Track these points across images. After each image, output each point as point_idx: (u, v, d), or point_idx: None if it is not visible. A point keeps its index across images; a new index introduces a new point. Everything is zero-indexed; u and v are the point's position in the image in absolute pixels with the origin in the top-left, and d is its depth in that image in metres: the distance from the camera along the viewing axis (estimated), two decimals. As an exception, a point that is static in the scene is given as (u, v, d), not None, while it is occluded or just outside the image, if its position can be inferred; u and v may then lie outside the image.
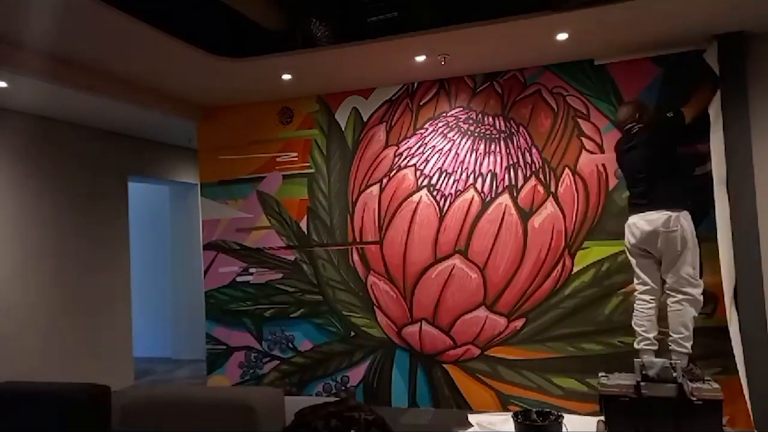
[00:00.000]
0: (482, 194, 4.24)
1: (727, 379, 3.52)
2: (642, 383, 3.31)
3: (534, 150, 4.16)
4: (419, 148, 4.43)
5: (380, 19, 3.63)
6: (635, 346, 3.60)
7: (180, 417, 2.27)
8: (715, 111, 3.63)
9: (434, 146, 4.39)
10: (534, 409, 3.56)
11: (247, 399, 2.26)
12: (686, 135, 3.68)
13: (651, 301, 3.59)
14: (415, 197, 4.40)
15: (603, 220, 3.99)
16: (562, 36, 3.61)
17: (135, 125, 5.48)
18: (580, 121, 4.08)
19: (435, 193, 4.36)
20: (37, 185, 4.81)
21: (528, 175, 4.16)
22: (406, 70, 4.20)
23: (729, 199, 3.58)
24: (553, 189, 4.11)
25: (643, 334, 3.56)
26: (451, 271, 4.30)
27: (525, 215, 4.16)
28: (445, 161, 4.35)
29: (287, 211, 4.77)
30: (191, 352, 6.60)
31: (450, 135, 4.36)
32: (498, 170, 4.22)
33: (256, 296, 4.83)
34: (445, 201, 4.33)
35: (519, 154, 4.19)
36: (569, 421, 3.55)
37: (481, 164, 4.26)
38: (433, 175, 4.37)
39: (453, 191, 4.31)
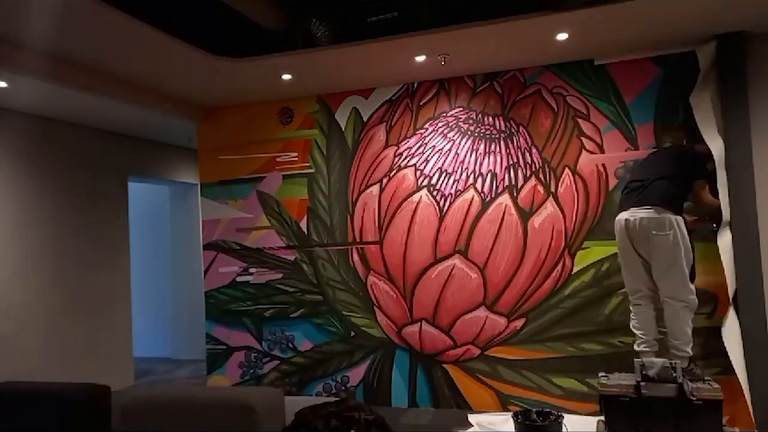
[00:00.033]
0: (482, 194, 4.24)
1: (727, 379, 3.52)
2: (642, 383, 3.31)
3: (534, 150, 4.16)
4: (419, 148, 4.43)
5: (380, 19, 3.63)
6: (635, 348, 3.59)
7: (180, 417, 2.26)
8: (696, 101, 3.64)
9: (434, 146, 4.39)
10: (534, 409, 3.56)
11: (247, 399, 2.26)
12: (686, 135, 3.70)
13: (645, 306, 3.54)
14: (415, 197, 4.40)
15: (603, 220, 3.99)
16: (562, 36, 3.61)
17: (135, 125, 5.48)
18: (580, 121, 4.08)
19: (435, 193, 4.36)
20: (37, 185, 4.81)
21: (528, 175, 4.17)
22: (406, 70, 4.21)
23: (729, 199, 3.58)
24: (553, 189, 4.11)
25: (642, 336, 3.55)
26: (451, 271, 4.30)
27: (525, 215, 4.16)
28: (445, 161, 4.35)
29: (287, 211, 4.77)
30: (191, 352, 6.60)
31: (450, 135, 4.36)
32: (498, 170, 4.22)
33: (256, 296, 4.84)
34: (445, 201, 4.33)
35: (519, 154, 4.19)
36: (569, 421, 3.55)
37: (481, 164, 4.27)
38: (433, 175, 4.37)
39: (453, 191, 4.31)
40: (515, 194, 4.18)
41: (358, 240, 4.56)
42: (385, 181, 4.50)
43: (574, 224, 4.06)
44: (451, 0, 3.56)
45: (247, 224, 4.88)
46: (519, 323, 4.16)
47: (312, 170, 4.71)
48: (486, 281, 4.22)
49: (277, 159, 4.81)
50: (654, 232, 3.36)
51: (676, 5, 3.22)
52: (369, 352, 4.52)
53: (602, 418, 3.49)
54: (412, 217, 4.40)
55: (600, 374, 3.56)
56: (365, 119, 4.58)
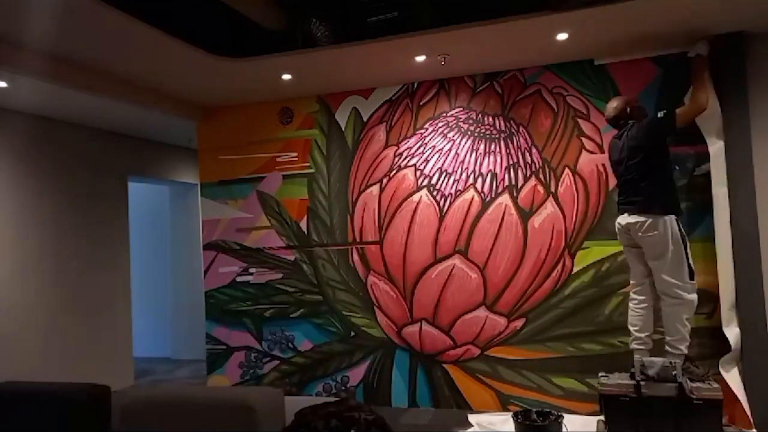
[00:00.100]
0: (482, 194, 4.24)
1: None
2: (642, 383, 3.31)
3: (534, 150, 4.16)
4: (419, 148, 4.43)
5: (380, 19, 3.63)
6: (630, 345, 3.62)
7: (180, 417, 2.26)
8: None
9: (434, 146, 4.39)
10: (534, 409, 3.56)
11: (247, 399, 2.26)
12: (686, 135, 3.69)
13: (643, 300, 3.56)
14: (415, 197, 4.40)
15: (603, 220, 3.99)
16: (562, 36, 3.61)
17: (135, 125, 5.49)
18: (580, 121, 4.08)
19: (435, 193, 4.36)
20: (37, 185, 4.81)
21: (528, 175, 4.17)
22: (406, 70, 4.20)
23: (729, 200, 3.58)
24: (553, 189, 4.11)
25: (635, 333, 3.57)
26: (451, 271, 4.30)
27: (525, 215, 4.16)
28: (445, 161, 4.35)
29: (287, 211, 4.77)
30: (191, 352, 6.60)
31: (450, 135, 4.36)
32: (498, 170, 4.22)
33: (256, 296, 4.84)
34: (445, 201, 4.33)
35: (519, 154, 4.19)
36: (569, 421, 3.55)
37: (481, 164, 4.27)
38: (433, 175, 4.37)
39: (453, 191, 4.31)
40: (515, 194, 4.18)
41: (358, 240, 4.56)
42: (385, 181, 4.50)
43: (574, 224, 4.06)
44: (451, 0, 3.55)
45: (247, 224, 4.88)
46: (519, 323, 4.16)
47: (312, 170, 4.71)
48: (486, 281, 4.22)
49: (277, 159, 4.81)
50: (640, 234, 3.41)
51: (675, 5, 3.22)
52: (369, 352, 4.52)
53: (602, 418, 3.49)
54: (412, 217, 4.40)
55: (600, 374, 3.57)
56: (365, 119, 4.58)
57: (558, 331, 4.06)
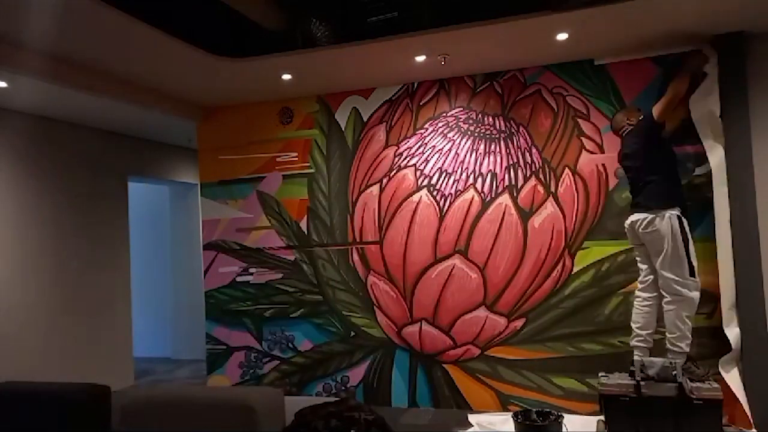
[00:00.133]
0: (482, 194, 4.24)
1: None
2: (642, 383, 3.31)
3: (534, 150, 4.16)
4: (419, 148, 4.43)
5: (380, 19, 3.63)
6: (630, 342, 3.63)
7: (180, 417, 2.26)
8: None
9: (434, 146, 4.39)
10: (534, 409, 3.56)
11: (247, 399, 2.26)
12: (686, 135, 3.70)
13: (647, 298, 3.60)
14: (415, 197, 4.40)
15: (603, 220, 3.99)
16: (562, 36, 3.61)
17: (135, 125, 5.48)
18: (580, 121, 4.08)
19: (435, 193, 4.36)
20: (37, 185, 4.81)
21: (528, 175, 4.17)
22: (406, 70, 4.20)
23: (729, 199, 3.58)
24: (553, 189, 4.11)
25: (637, 330, 3.61)
26: (451, 271, 4.30)
27: (525, 215, 4.16)
28: (445, 161, 4.35)
29: (287, 211, 4.77)
30: (191, 352, 6.60)
31: (450, 135, 4.36)
32: (498, 170, 4.22)
33: (256, 296, 4.83)
34: (445, 201, 4.33)
35: (519, 154, 4.19)
36: (569, 421, 3.55)
37: (481, 164, 4.27)
38: (433, 175, 4.37)
39: (453, 191, 4.31)
40: (515, 194, 4.18)
41: (358, 240, 4.56)
42: (385, 181, 4.50)
43: (574, 224, 4.06)
44: (451, 0, 3.55)
45: (247, 224, 4.88)
46: (519, 323, 4.16)
47: (312, 170, 4.71)
48: (486, 281, 4.22)
49: (277, 159, 4.81)
50: (642, 231, 3.50)
51: (675, 5, 3.22)
52: (369, 352, 4.52)
53: (602, 418, 3.49)
54: (412, 217, 4.40)
55: (600, 374, 3.57)
56: (365, 119, 4.58)
57: (558, 331, 4.06)
